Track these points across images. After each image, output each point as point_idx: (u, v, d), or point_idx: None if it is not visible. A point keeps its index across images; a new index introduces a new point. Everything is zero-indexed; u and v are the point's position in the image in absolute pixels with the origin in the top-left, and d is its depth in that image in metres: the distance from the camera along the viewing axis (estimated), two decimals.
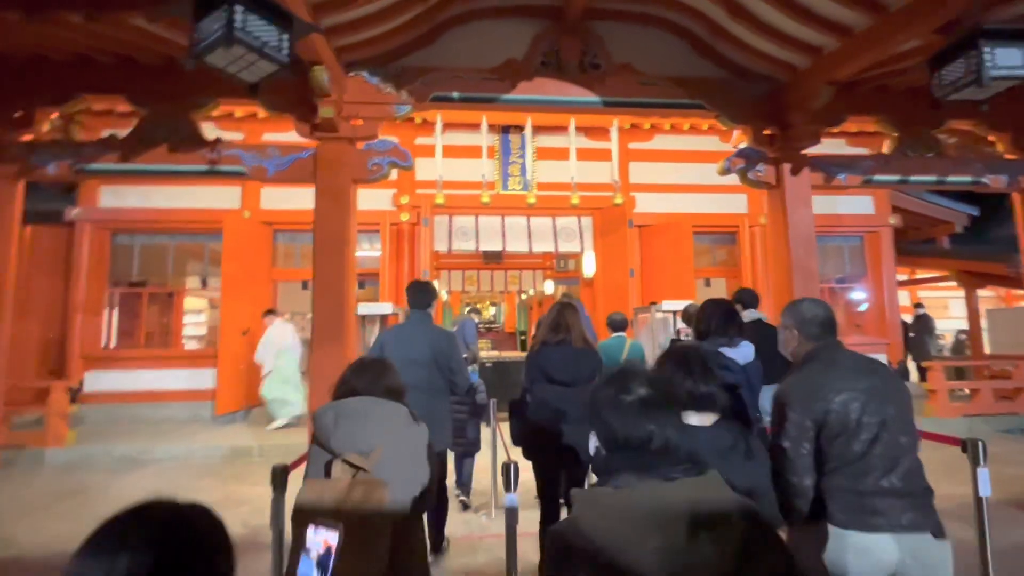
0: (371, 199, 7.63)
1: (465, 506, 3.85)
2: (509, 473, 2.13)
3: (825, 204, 8.71)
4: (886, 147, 4.27)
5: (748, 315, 3.77)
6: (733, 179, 8.76)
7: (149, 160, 3.60)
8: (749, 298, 3.99)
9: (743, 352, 2.30)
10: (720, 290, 9.94)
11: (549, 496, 2.79)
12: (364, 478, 1.58)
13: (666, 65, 3.95)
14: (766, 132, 4.05)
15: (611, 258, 7.94)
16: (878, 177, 4.16)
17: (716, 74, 4.00)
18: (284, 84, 3.53)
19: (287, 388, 6.35)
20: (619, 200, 6.66)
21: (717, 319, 2.32)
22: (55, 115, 3.74)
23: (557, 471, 2.78)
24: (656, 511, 0.85)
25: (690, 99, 3.95)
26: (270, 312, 6.65)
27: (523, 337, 20.30)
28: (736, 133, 4.68)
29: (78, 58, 3.57)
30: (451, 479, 3.61)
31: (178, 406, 7.02)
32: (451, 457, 3.57)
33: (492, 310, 23.90)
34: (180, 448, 5.54)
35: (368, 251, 7.89)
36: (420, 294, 3.12)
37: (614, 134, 6.73)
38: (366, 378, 1.79)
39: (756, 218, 8.37)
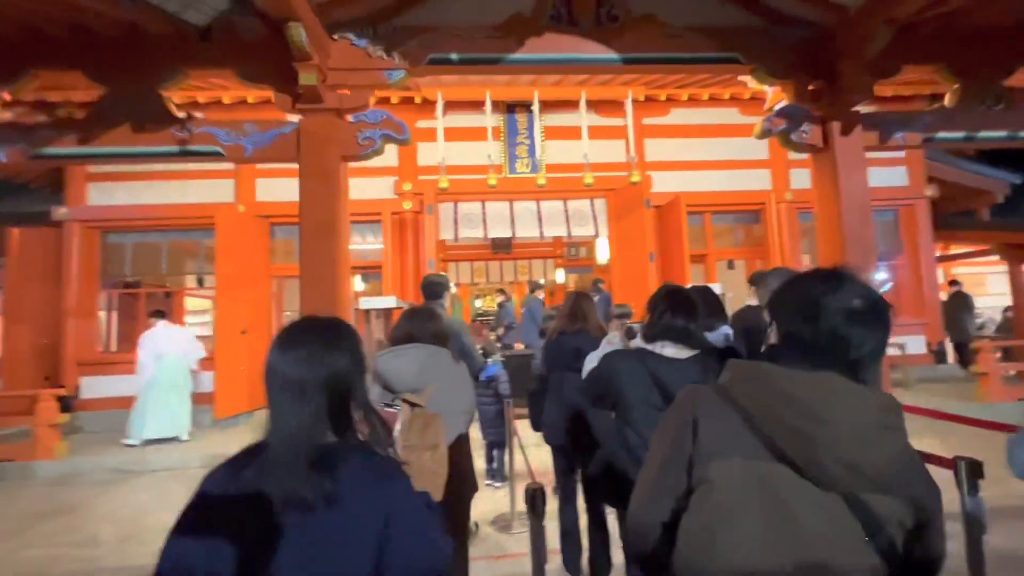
0: (371, 188, 7.22)
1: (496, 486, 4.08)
2: (534, 501, 1.85)
3: None
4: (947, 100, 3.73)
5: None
6: (756, 153, 8.30)
7: (112, 142, 3.20)
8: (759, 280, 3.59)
9: (720, 335, 2.40)
10: (743, 273, 9.43)
11: (567, 493, 2.85)
12: (421, 412, 1.78)
13: (693, 14, 3.44)
14: (810, 87, 3.54)
15: (628, 242, 7.46)
16: (941, 135, 3.65)
17: (751, 22, 3.49)
18: (260, 50, 3.11)
19: (170, 397, 5.77)
20: (636, 178, 6.17)
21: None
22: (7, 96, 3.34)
23: (577, 458, 2.79)
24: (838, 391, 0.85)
25: (722, 52, 3.45)
26: (156, 313, 6.18)
27: None
28: (770, 97, 4.15)
29: (27, 30, 3.16)
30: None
31: None
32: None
33: (501, 299, 23.53)
34: (175, 456, 5.20)
35: (372, 244, 7.49)
36: (430, 286, 3.10)
37: (628, 107, 6.23)
38: (416, 323, 2.09)
39: (782, 194, 7.83)
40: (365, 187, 7.22)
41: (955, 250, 10.10)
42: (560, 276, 14.49)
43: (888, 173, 8.18)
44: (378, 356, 1.98)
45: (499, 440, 4.25)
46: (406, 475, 0.99)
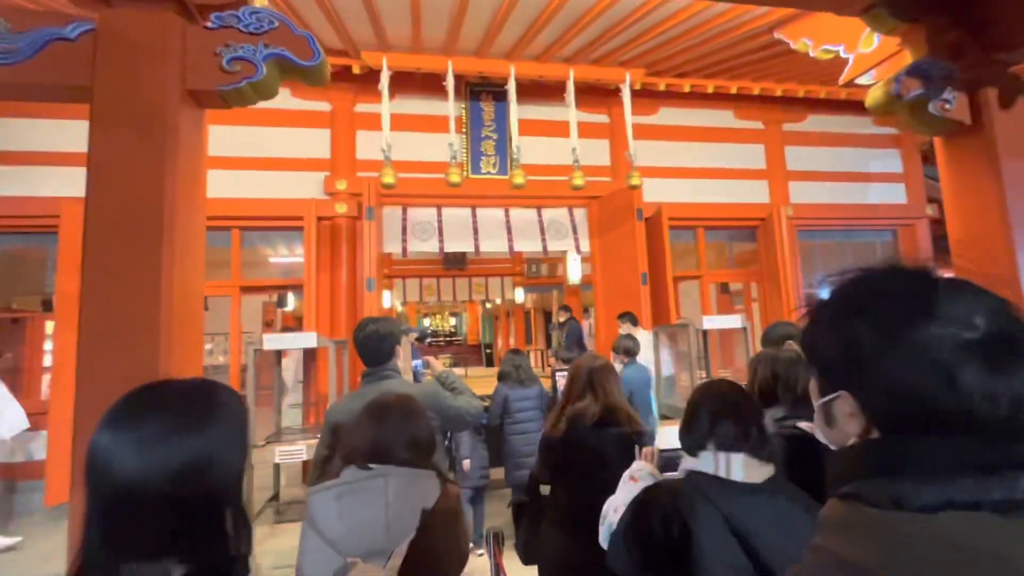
0: (291, 184, 5.59)
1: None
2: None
3: (854, 192, 7.39)
4: None
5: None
6: (752, 161, 7.35)
7: None
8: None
9: None
10: (738, 298, 8.46)
11: None
12: None
13: None
14: (948, 39, 2.38)
15: (614, 260, 6.21)
16: None
17: None
18: None
19: None
20: (636, 181, 4.93)
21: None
22: None
23: None
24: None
25: None
26: None
27: (488, 351, 18.43)
28: (850, 66, 3.00)
29: None
30: None
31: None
32: None
33: (452, 320, 21.94)
34: None
35: (287, 256, 5.83)
36: (376, 343, 1.91)
37: (626, 93, 5.00)
38: (387, 426, 1.27)
39: (781, 209, 6.89)
40: (281, 183, 5.58)
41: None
42: (520, 296, 13.15)
43: (885, 189, 7.49)
44: (312, 494, 1.23)
45: (483, 485, 3.47)
46: None
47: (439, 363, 2.14)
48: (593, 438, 1.87)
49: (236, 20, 1.73)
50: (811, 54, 3.60)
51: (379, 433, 1.22)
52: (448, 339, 20.35)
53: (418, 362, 2.19)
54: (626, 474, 1.67)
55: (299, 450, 3.82)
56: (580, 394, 1.94)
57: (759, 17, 4.06)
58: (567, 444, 1.88)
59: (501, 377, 3.61)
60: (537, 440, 3.52)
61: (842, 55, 3.16)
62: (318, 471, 1.80)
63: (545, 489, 2.09)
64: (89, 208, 1.55)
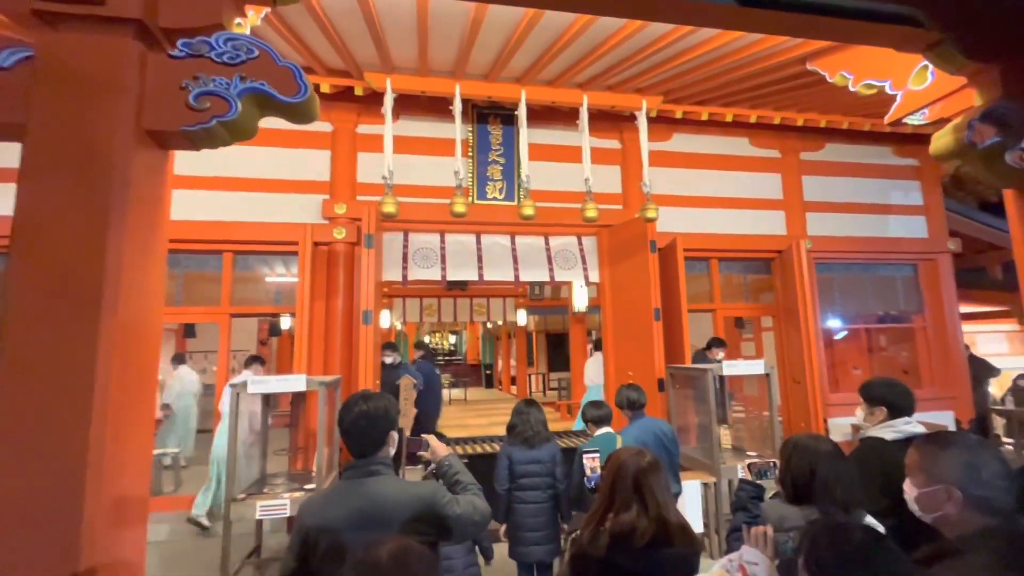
0: (285, 207, 5.32)
1: None
2: None
3: (873, 224, 7.12)
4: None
5: (900, 427, 2.13)
6: (768, 191, 7.08)
7: None
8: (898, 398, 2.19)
9: None
10: (748, 328, 8.14)
11: None
12: None
13: None
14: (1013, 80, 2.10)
15: (626, 290, 5.91)
16: None
17: None
18: None
19: None
20: (652, 214, 4.65)
21: None
22: None
23: None
24: None
25: (896, 3, 1.96)
26: None
27: (488, 371, 18.05)
28: (897, 104, 2.74)
29: None
30: None
31: None
32: None
33: (452, 338, 21.57)
34: None
35: (283, 276, 5.53)
36: (362, 427, 1.59)
37: (643, 121, 4.75)
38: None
39: (799, 241, 6.59)
40: (278, 206, 5.32)
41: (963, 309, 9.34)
42: (522, 318, 12.85)
43: (905, 223, 7.21)
44: None
45: None
46: None
47: (442, 446, 1.80)
48: (646, 562, 1.50)
49: (208, 48, 1.44)
50: (851, 88, 3.34)
51: None
52: (448, 358, 19.99)
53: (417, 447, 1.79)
54: (731, 559, 1.36)
55: (283, 504, 3.47)
56: (625, 503, 1.58)
57: (792, 48, 3.81)
58: (611, 567, 1.49)
59: (508, 431, 3.24)
60: (545, 513, 3.13)
61: (888, 91, 2.90)
62: None
63: None
64: (10, 275, 1.25)
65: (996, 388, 8.82)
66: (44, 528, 1.19)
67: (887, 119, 2.91)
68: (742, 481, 2.09)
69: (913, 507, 1.28)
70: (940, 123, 2.77)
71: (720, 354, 5.63)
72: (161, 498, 5.14)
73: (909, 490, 1.29)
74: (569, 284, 9.26)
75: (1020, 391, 8.30)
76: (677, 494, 3.39)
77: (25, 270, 1.25)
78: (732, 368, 4.27)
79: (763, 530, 1.41)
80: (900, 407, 2.16)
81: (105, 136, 1.34)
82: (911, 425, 2.11)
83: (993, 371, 7.78)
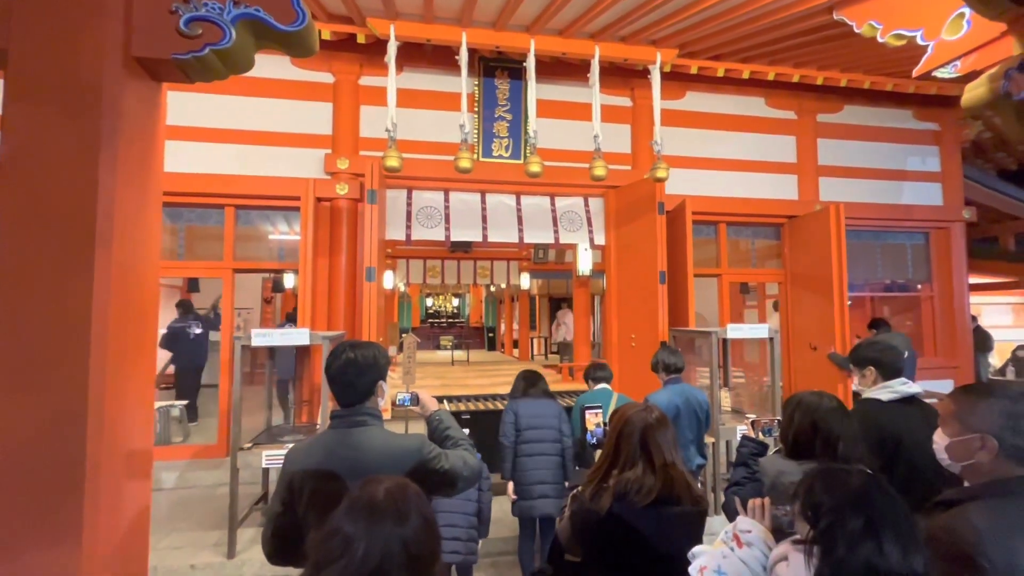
0: (287, 161, 5.21)
1: None
2: None
3: (887, 191, 6.95)
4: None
5: (896, 388, 2.11)
6: (782, 154, 6.89)
7: None
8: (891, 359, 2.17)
9: None
10: (753, 295, 8.10)
11: None
12: None
13: None
14: None
15: (631, 255, 5.84)
16: None
17: None
18: None
19: None
20: (662, 174, 4.53)
21: None
22: None
23: None
24: None
25: None
26: None
27: (491, 334, 18.16)
28: (928, 56, 2.58)
29: None
30: None
31: None
32: None
33: (455, 301, 21.63)
34: None
35: (286, 234, 5.48)
36: (351, 375, 1.55)
37: (656, 76, 4.56)
38: (374, 536, 0.94)
39: (810, 206, 6.45)
40: (279, 160, 5.20)
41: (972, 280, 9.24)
42: (525, 281, 12.81)
43: (920, 190, 7.03)
44: None
45: (469, 563, 2.74)
46: None
47: (432, 400, 1.78)
48: (650, 521, 1.46)
49: None
50: (879, 39, 3.16)
51: (367, 548, 0.89)
52: (450, 320, 20.09)
53: (405, 396, 1.76)
54: (728, 529, 1.36)
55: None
56: (630, 460, 1.53)
57: None
58: (613, 525, 1.47)
59: (510, 397, 3.25)
60: (551, 467, 3.18)
61: (919, 42, 2.73)
62: (270, 528, 1.48)
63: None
64: (0, 207, 1.20)
65: (996, 358, 8.84)
66: (46, 464, 1.18)
67: (916, 71, 2.76)
68: (744, 437, 2.09)
69: (942, 456, 1.28)
70: (970, 77, 2.64)
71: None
72: (170, 447, 5.26)
73: (939, 439, 1.28)
74: (574, 248, 9.16)
75: (1020, 361, 8.31)
76: (701, 466, 3.28)
77: (15, 202, 1.21)
78: (736, 331, 4.25)
79: (760, 502, 1.40)
80: (887, 363, 2.14)
81: (92, 63, 1.26)
82: (907, 385, 2.10)
83: (990, 342, 7.74)
